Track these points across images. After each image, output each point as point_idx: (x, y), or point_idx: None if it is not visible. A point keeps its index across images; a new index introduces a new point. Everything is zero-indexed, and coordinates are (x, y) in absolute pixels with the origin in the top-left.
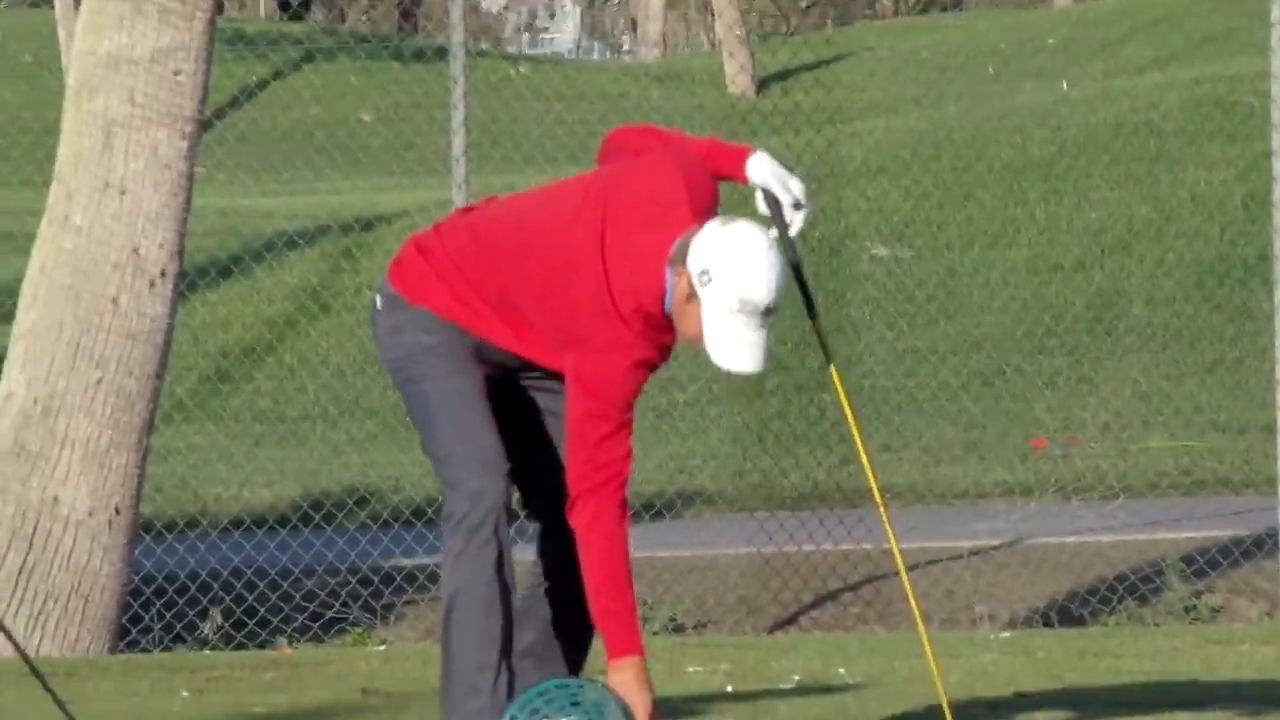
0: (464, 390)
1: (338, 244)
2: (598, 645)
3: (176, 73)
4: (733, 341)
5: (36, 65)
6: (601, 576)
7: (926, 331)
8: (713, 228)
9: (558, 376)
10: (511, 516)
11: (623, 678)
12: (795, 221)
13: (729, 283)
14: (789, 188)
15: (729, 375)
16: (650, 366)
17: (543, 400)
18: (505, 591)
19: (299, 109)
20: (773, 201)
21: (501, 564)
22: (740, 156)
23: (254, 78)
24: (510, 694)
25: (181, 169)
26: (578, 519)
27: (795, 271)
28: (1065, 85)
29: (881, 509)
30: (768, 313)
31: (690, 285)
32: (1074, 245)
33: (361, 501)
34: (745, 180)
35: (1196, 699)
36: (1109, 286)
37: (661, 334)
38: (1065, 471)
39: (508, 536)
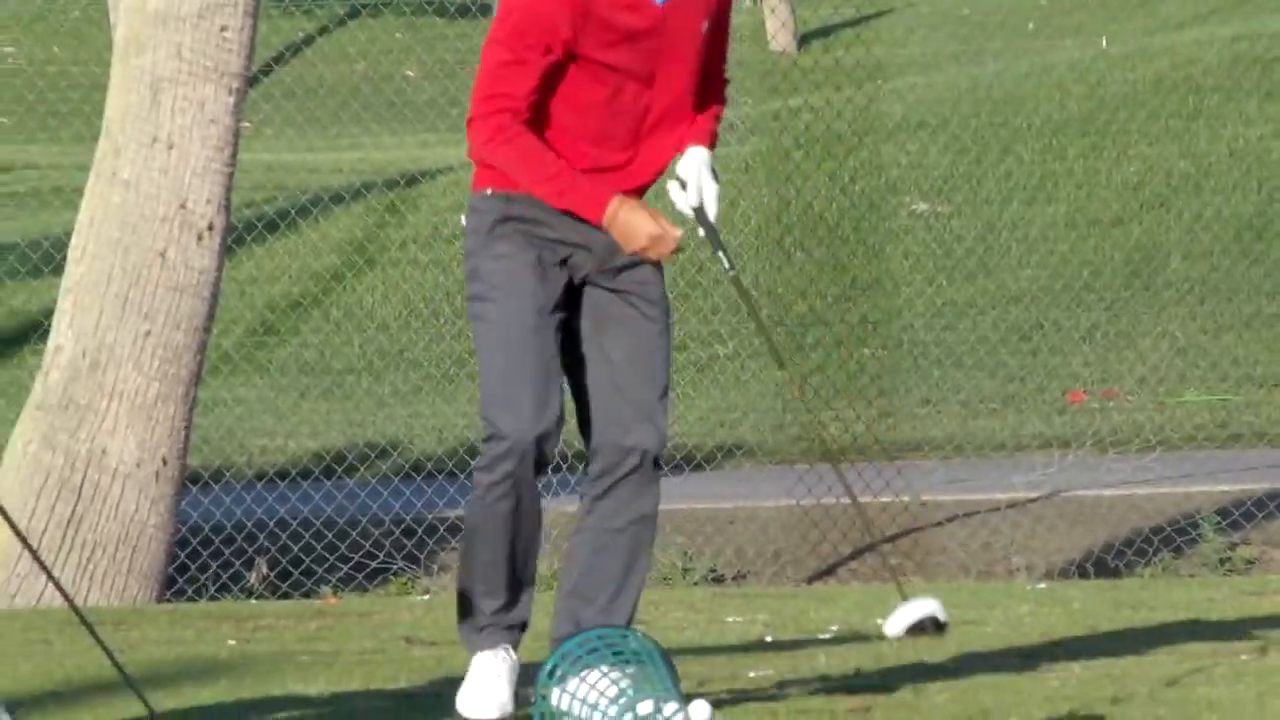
0: (519, 325)
1: (382, 199)
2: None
3: (223, 29)
4: None
5: (85, 21)
6: (529, 168)
7: (965, 286)
8: None
9: (634, 269)
10: (539, 467)
11: (624, 216)
12: (684, 203)
13: None
14: (700, 188)
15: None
16: (555, 35)
17: (615, 310)
18: (514, 534)
19: (345, 65)
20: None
21: (515, 507)
22: (698, 137)
23: (300, 34)
24: (519, 624)
25: (228, 124)
26: (474, 141)
27: (711, 236)
28: (1104, 42)
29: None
30: None
31: None
32: (1112, 200)
33: (405, 452)
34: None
35: (1230, 643)
36: (1147, 241)
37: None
38: (1102, 424)
39: (526, 483)
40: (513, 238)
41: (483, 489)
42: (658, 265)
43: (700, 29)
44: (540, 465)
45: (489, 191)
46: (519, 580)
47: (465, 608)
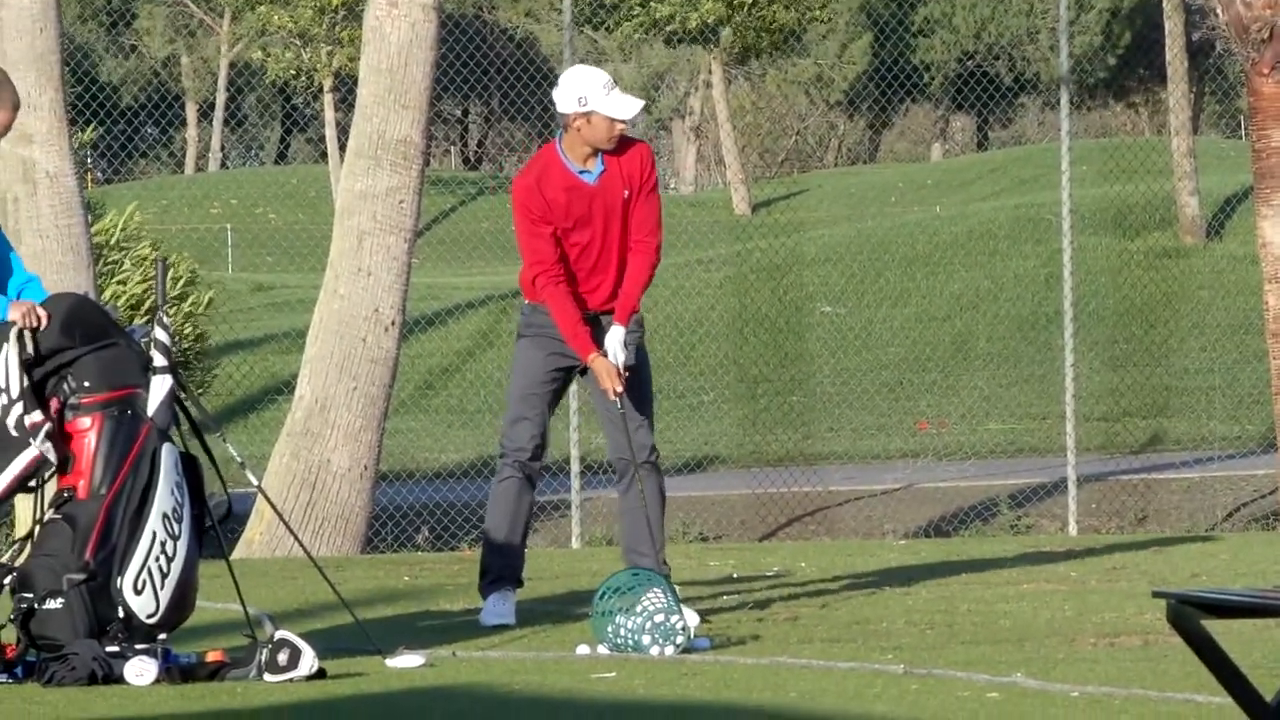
0: (530, 385)
1: (498, 305)
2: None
3: (400, 202)
4: (622, 103)
5: (317, 198)
6: (556, 314)
7: (854, 358)
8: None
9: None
10: (528, 472)
11: (597, 362)
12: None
13: (592, 84)
14: (616, 356)
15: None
16: (542, 213)
17: (594, 384)
18: (515, 508)
19: (475, 224)
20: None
21: (516, 493)
22: (618, 315)
23: (448, 205)
24: (515, 578)
25: (404, 261)
26: (525, 284)
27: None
28: (938, 209)
29: None
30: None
31: (578, 117)
32: (943, 305)
33: None
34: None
35: (1017, 576)
36: (965, 331)
37: (550, 187)
38: (939, 443)
39: (519, 480)
40: (534, 335)
41: (498, 477)
42: (641, 347)
43: (623, 195)
44: (530, 469)
45: (527, 303)
46: (515, 548)
47: (482, 572)
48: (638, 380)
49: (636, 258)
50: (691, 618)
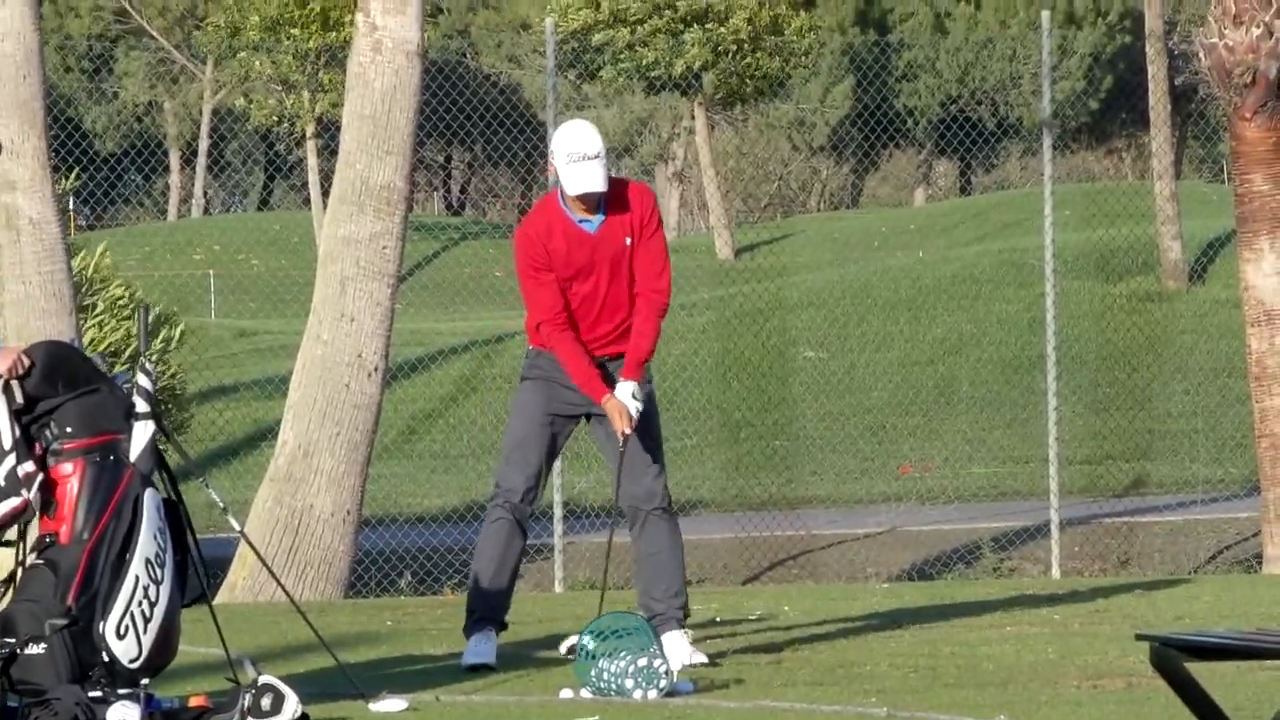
0: (528, 427)
1: (481, 350)
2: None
3: (384, 247)
4: (578, 177)
5: (301, 244)
6: (565, 361)
7: (837, 402)
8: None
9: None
10: (521, 512)
11: (610, 403)
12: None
13: (559, 150)
14: (625, 410)
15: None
16: (544, 262)
17: (601, 430)
18: (504, 550)
19: (458, 269)
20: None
21: (506, 535)
22: (627, 371)
23: (431, 250)
24: (499, 621)
25: (387, 306)
26: (531, 332)
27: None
28: (921, 253)
29: None
30: (593, 157)
31: (554, 170)
32: (926, 350)
33: None
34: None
35: (999, 619)
36: (948, 375)
37: (552, 238)
38: (922, 486)
39: (512, 521)
40: (537, 379)
41: (488, 517)
42: (650, 396)
43: (625, 242)
44: (521, 512)
45: (531, 348)
46: (500, 590)
47: (467, 612)
48: (647, 428)
49: (644, 306)
50: (695, 658)
